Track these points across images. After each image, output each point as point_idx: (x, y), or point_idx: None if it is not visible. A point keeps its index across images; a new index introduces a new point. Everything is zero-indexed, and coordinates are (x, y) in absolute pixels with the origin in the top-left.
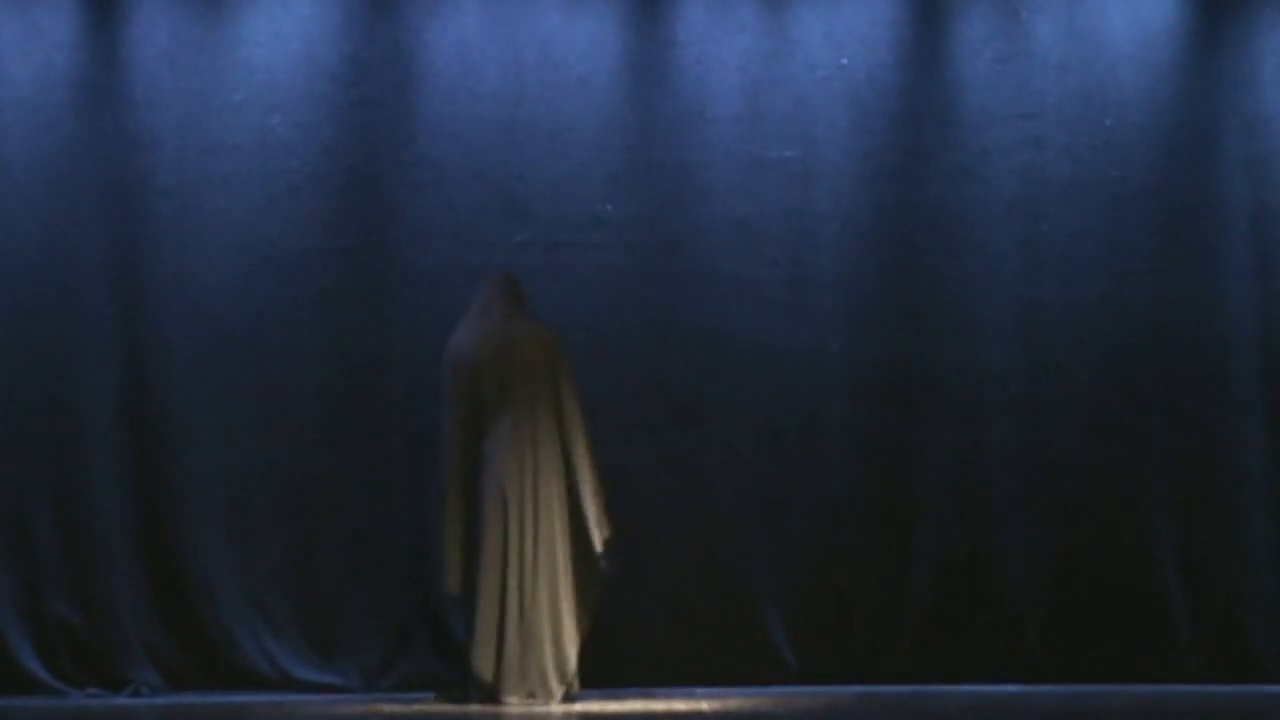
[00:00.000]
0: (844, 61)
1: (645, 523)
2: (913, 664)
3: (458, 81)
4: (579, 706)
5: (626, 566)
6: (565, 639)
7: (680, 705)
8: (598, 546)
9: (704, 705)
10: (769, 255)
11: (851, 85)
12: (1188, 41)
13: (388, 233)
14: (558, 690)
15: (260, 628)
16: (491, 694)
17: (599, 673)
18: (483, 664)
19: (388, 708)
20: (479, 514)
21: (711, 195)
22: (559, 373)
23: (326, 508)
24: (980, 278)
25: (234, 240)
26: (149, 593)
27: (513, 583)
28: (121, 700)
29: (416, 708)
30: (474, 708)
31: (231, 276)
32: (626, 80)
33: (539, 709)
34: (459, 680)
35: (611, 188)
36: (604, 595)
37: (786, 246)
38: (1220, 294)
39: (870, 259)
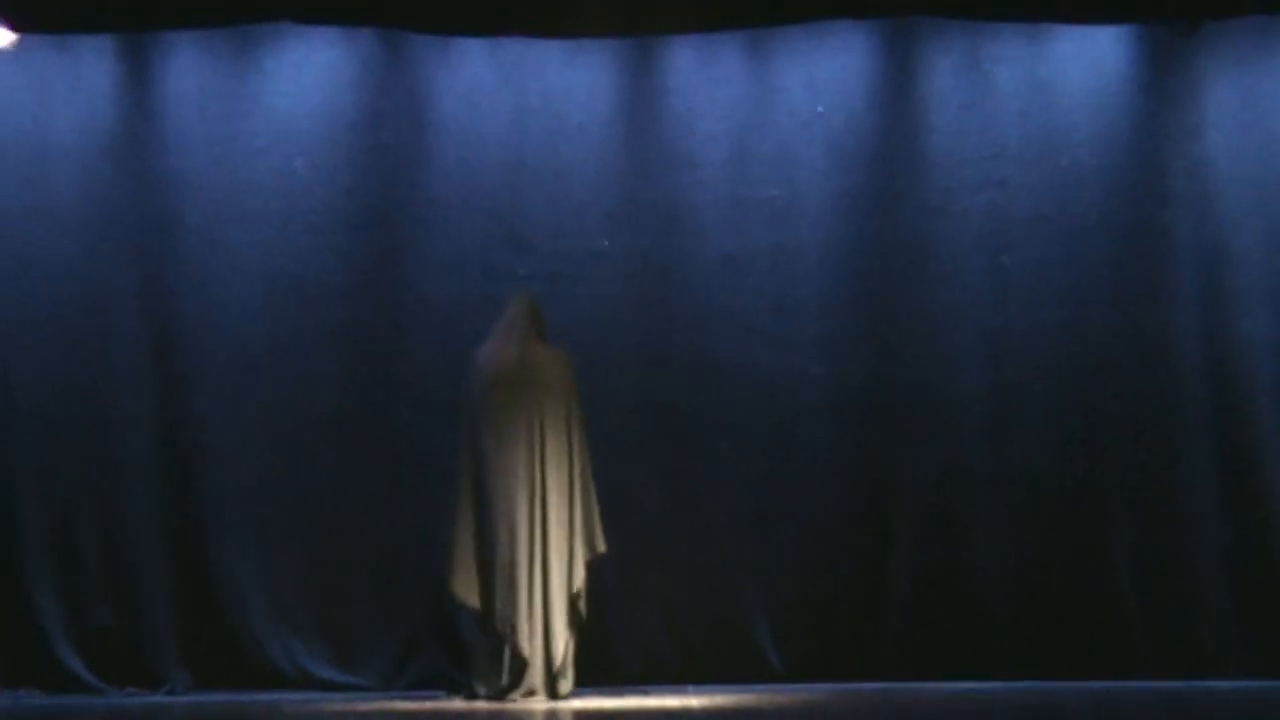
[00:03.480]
0: (821, 109)
1: (640, 533)
2: (888, 663)
3: (466, 127)
4: (577, 703)
5: (622, 574)
6: (557, 639)
7: (672, 702)
8: (585, 558)
9: (694, 702)
10: (754, 286)
11: (829, 130)
12: (1137, 90)
13: (401, 267)
14: (554, 687)
15: (284, 632)
16: (498, 692)
17: (597, 672)
18: (490, 664)
19: (402, 705)
20: (491, 521)
21: (701, 231)
22: (569, 391)
23: (344, 522)
24: (950, 306)
25: (258, 274)
26: (182, 600)
27: (523, 588)
28: (157, 698)
29: (428, 705)
30: (480, 704)
31: (256, 307)
32: (622, 126)
33: (540, 705)
34: (467, 679)
35: (608, 224)
36: (586, 601)
37: (770, 278)
38: (1170, 321)
39: (848, 289)
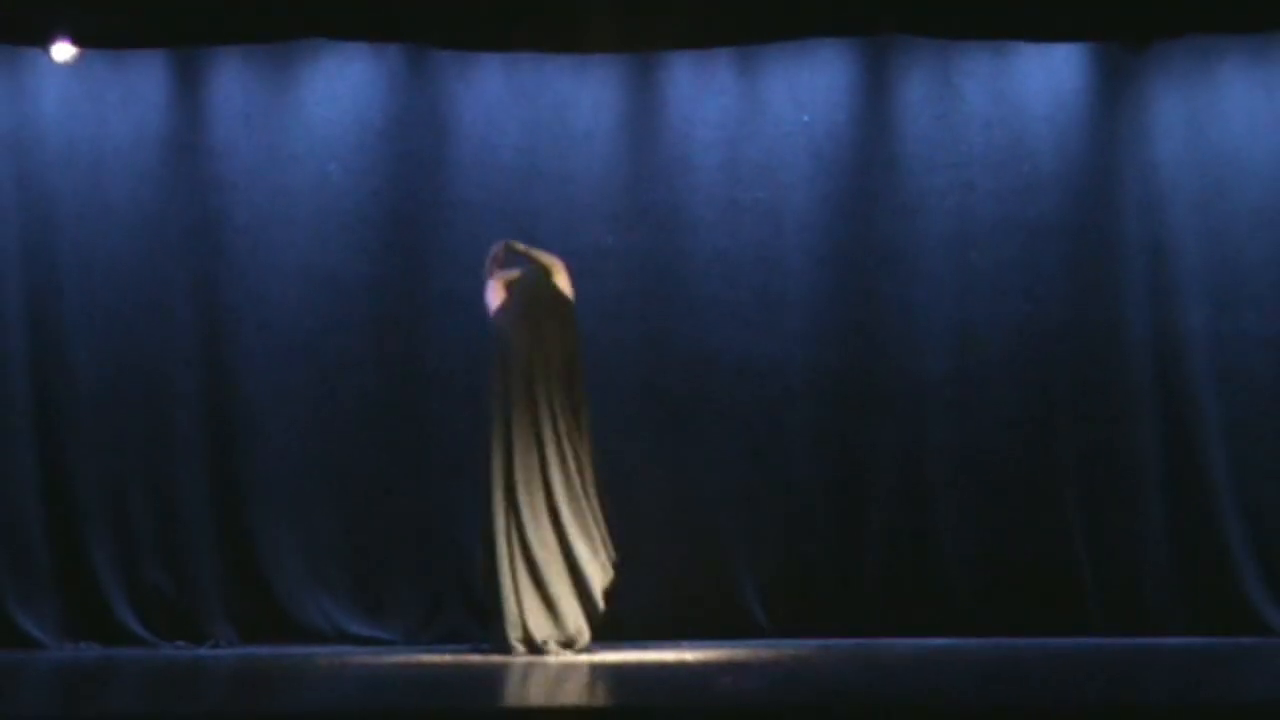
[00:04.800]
0: (806, 119)
1: (641, 506)
2: (863, 621)
3: (483, 136)
4: (584, 657)
5: (625, 541)
6: (568, 601)
7: (669, 656)
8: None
9: (689, 656)
10: (744, 281)
11: (813, 139)
12: (1092, 102)
13: (425, 262)
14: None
15: (319, 591)
16: (513, 648)
17: (603, 630)
18: (511, 623)
19: (426, 658)
20: (517, 506)
21: (696, 231)
22: (577, 374)
23: (374, 493)
24: (921, 300)
25: (297, 268)
26: (227, 562)
27: (545, 569)
28: (203, 651)
29: (449, 658)
30: (496, 657)
31: (295, 299)
32: (624, 134)
33: (552, 659)
34: (485, 635)
35: (612, 224)
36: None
37: (758, 273)
38: (1120, 315)
39: (829, 284)
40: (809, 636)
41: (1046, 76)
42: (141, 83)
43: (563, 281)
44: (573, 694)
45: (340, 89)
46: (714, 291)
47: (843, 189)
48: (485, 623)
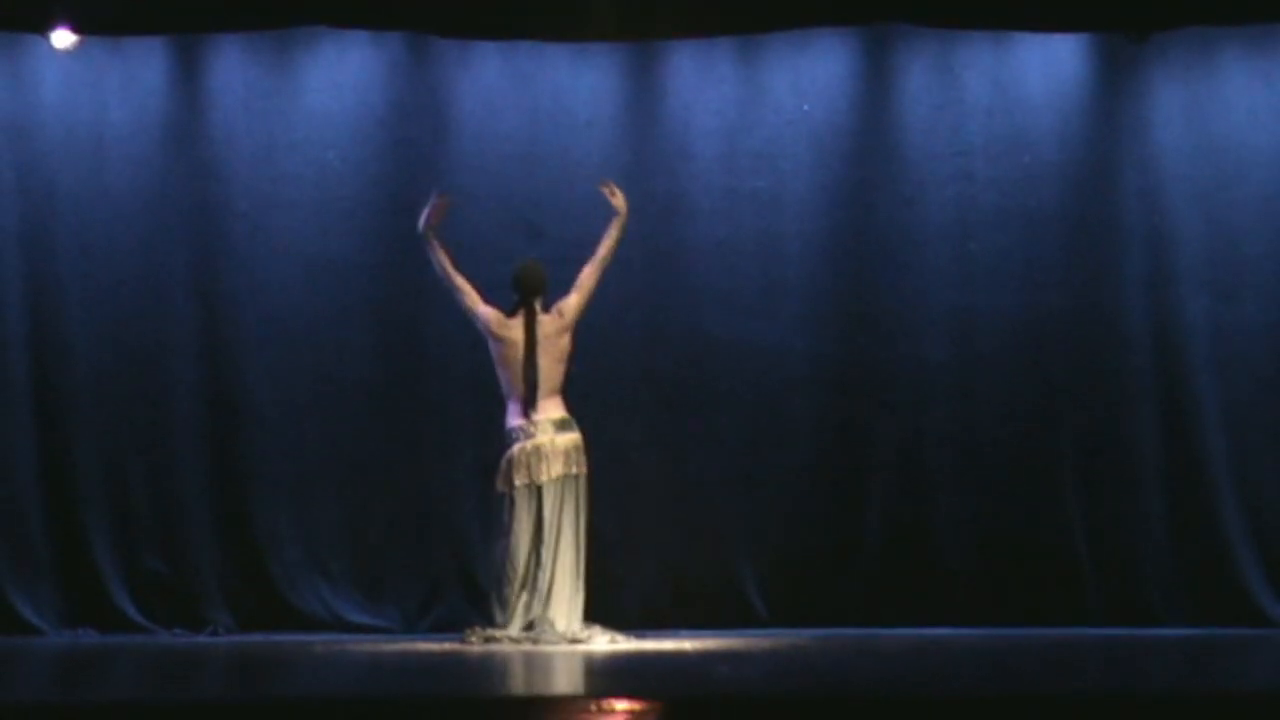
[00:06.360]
0: (806, 108)
1: (639, 493)
2: (862, 610)
3: (483, 124)
4: (581, 647)
5: (623, 529)
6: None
7: (668, 645)
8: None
9: (687, 646)
10: (743, 269)
11: (813, 128)
12: (1092, 92)
13: (424, 250)
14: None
15: (317, 578)
16: (512, 636)
17: (600, 619)
18: (503, 611)
19: (423, 645)
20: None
21: (696, 219)
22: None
23: (373, 479)
24: (920, 288)
25: (297, 254)
26: (225, 549)
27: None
28: (202, 638)
29: (446, 646)
30: (494, 646)
31: (294, 286)
32: (625, 123)
33: (550, 648)
34: (483, 623)
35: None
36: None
37: (758, 262)
38: (1119, 303)
39: (828, 272)
40: (807, 625)
41: (1047, 66)
42: (141, 69)
43: (576, 297)
44: (570, 683)
45: (340, 76)
46: (714, 280)
47: (843, 178)
48: (482, 611)
